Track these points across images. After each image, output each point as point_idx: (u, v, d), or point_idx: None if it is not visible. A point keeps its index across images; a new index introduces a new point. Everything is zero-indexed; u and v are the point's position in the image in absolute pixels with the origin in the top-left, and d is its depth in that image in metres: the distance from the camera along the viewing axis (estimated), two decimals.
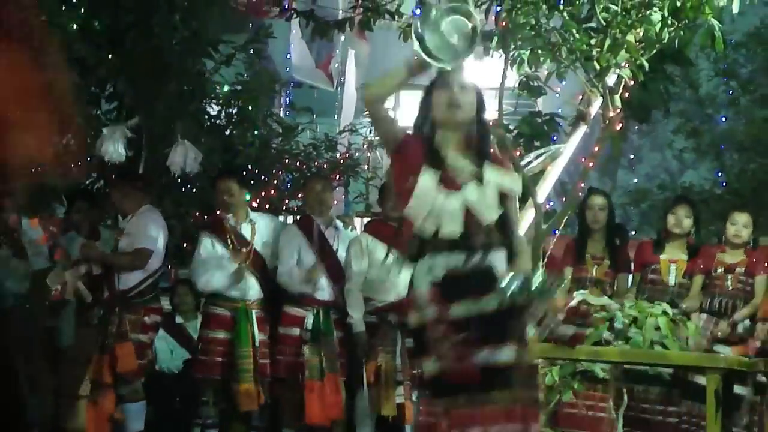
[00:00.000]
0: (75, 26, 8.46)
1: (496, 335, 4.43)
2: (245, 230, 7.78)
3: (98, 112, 9.13)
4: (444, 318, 4.42)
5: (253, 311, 7.67)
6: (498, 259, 4.53)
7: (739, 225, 7.58)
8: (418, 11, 8.30)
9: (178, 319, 8.72)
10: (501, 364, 4.41)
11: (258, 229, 7.82)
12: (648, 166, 15.53)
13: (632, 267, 7.80)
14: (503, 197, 4.57)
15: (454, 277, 4.45)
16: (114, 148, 8.21)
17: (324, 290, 7.68)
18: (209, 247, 7.74)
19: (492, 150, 4.76)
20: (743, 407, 7.05)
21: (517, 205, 4.70)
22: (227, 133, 9.87)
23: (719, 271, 7.53)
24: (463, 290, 4.44)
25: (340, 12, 9.81)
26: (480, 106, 4.68)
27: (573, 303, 7.36)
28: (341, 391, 7.60)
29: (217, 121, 9.90)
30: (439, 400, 4.49)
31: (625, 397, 7.22)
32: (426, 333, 4.47)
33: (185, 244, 8.94)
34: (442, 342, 4.41)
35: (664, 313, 6.76)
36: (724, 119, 14.06)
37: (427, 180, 4.49)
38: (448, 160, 4.56)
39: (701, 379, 6.66)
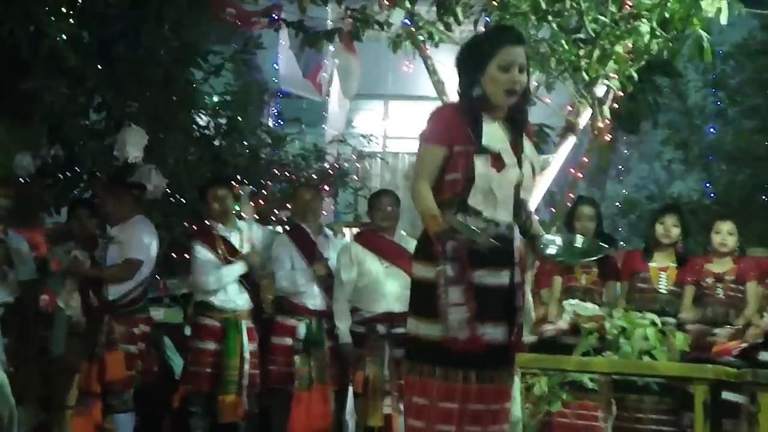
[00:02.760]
0: (64, 37, 8.44)
1: (503, 312, 4.36)
2: (234, 239, 7.78)
3: (86, 123, 9.11)
4: (465, 280, 4.28)
5: (243, 321, 7.66)
6: (517, 234, 4.45)
7: (724, 233, 7.60)
8: (407, 21, 8.35)
9: (187, 331, 8.68)
10: (503, 342, 4.35)
11: (246, 238, 7.82)
12: (636, 176, 15.55)
13: (620, 275, 7.82)
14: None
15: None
16: (133, 150, 8.16)
17: (316, 299, 7.68)
18: (204, 252, 7.73)
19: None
20: (741, 416, 7.04)
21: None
22: (216, 143, 9.87)
23: (709, 281, 7.55)
24: (485, 257, 4.31)
25: (330, 22, 9.82)
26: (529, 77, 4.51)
27: (565, 314, 7.40)
28: (329, 401, 7.59)
29: (206, 132, 9.90)
30: (445, 368, 4.33)
31: (614, 407, 7.22)
32: (436, 292, 4.30)
33: (173, 255, 8.94)
34: (460, 306, 4.27)
35: (653, 323, 6.77)
36: (712, 130, 14.10)
37: (481, 167, 4.32)
38: (494, 142, 4.38)
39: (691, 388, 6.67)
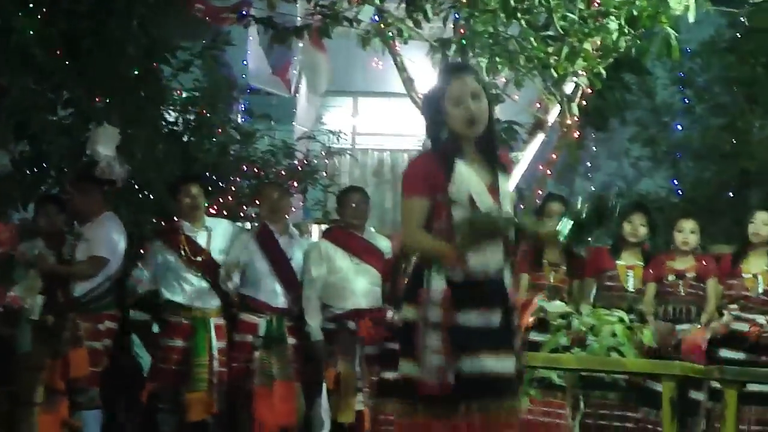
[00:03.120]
0: (31, 32, 8.38)
1: (501, 344, 4.30)
2: (201, 238, 7.74)
3: (54, 119, 9.05)
4: (448, 324, 4.22)
5: (212, 320, 7.64)
6: (506, 273, 4.39)
7: (686, 231, 7.67)
8: (376, 18, 8.33)
9: (155, 329, 8.63)
10: (506, 374, 4.29)
11: (215, 236, 7.79)
12: (605, 173, 15.56)
13: (584, 274, 7.85)
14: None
15: (471, 283, 4.26)
16: (104, 149, 8.09)
17: (278, 297, 7.67)
18: (158, 258, 7.75)
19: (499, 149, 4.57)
20: (700, 413, 7.11)
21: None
22: (185, 139, 9.83)
23: (671, 278, 7.61)
24: (474, 299, 4.26)
25: (299, 19, 9.81)
26: (491, 104, 4.44)
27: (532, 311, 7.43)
28: (295, 398, 7.58)
29: (175, 128, 9.85)
30: (432, 406, 4.25)
31: (582, 404, 7.26)
32: (418, 333, 4.25)
33: (141, 251, 8.90)
34: (437, 354, 4.20)
35: (621, 320, 6.81)
36: (679, 127, 14.13)
37: (459, 216, 4.26)
38: (469, 187, 4.30)
39: (656, 385, 6.71)
